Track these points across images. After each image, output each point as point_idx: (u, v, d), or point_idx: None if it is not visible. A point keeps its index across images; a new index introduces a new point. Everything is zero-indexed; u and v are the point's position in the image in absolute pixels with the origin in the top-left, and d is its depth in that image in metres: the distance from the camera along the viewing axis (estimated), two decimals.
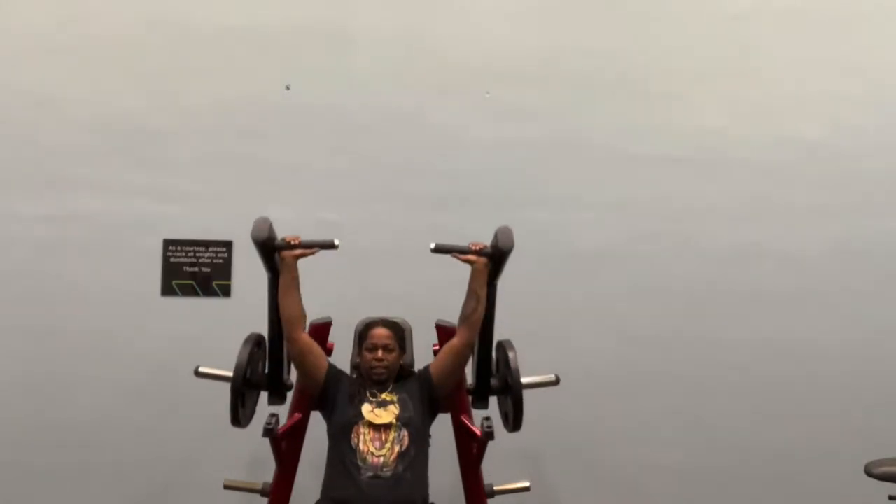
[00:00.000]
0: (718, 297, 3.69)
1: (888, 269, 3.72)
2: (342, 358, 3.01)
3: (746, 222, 3.72)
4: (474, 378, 2.85)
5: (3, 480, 3.46)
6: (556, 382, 2.87)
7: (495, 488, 2.97)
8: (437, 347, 2.94)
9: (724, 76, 3.76)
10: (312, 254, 2.71)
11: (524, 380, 2.72)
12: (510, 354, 2.75)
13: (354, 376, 2.90)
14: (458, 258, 2.73)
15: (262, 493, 2.94)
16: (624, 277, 3.67)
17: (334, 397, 2.73)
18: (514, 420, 2.72)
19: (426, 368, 2.82)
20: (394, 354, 2.79)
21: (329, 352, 2.94)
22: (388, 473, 2.56)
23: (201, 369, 2.81)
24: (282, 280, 2.70)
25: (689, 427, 3.64)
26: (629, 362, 3.64)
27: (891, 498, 2.80)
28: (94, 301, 3.53)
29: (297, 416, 2.86)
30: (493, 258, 2.73)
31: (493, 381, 2.82)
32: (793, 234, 3.72)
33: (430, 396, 2.76)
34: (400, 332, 2.87)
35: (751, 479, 3.63)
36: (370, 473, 2.55)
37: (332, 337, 2.94)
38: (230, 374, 2.65)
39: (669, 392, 3.64)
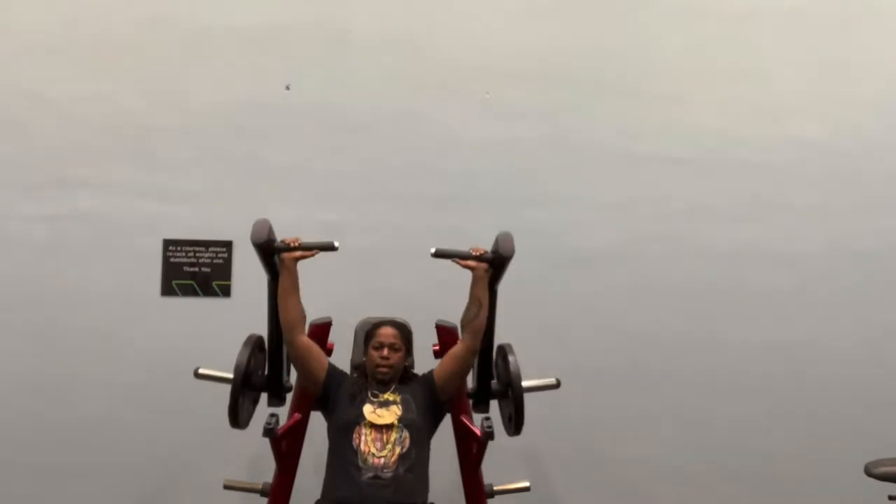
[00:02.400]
0: (718, 297, 3.69)
1: (888, 269, 3.72)
2: (342, 358, 3.01)
3: (746, 222, 3.72)
4: (475, 382, 2.85)
5: (3, 480, 3.46)
6: (557, 386, 2.87)
7: (495, 488, 2.97)
8: (438, 348, 2.94)
9: (724, 76, 3.76)
10: (312, 255, 2.70)
11: (525, 383, 2.72)
12: (510, 358, 2.74)
13: (355, 376, 2.91)
14: (458, 263, 2.71)
15: (262, 493, 2.94)
16: (624, 277, 3.67)
17: (336, 397, 2.73)
18: (515, 424, 2.71)
19: (430, 373, 2.81)
20: (399, 354, 2.79)
21: (329, 352, 2.94)
22: (389, 474, 2.56)
23: (201, 371, 2.80)
24: (281, 282, 2.69)
25: (689, 426, 3.64)
26: (629, 362, 3.64)
27: (891, 498, 2.80)
28: (94, 301, 3.53)
29: (297, 416, 2.86)
30: (494, 263, 2.72)
31: (494, 385, 2.81)
32: (793, 234, 3.72)
33: (433, 401, 2.76)
34: (406, 333, 2.88)
35: (751, 479, 3.63)
36: (371, 474, 2.55)
37: (332, 337, 2.94)
38: (230, 375, 2.65)
39: (669, 392, 3.64)
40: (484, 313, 2.70)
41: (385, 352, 2.76)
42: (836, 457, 3.56)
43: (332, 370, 2.79)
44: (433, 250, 2.72)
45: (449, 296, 3.52)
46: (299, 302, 2.71)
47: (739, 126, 3.75)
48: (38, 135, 3.58)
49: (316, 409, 2.84)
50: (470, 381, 2.89)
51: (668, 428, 3.64)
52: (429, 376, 2.81)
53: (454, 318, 2.96)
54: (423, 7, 3.72)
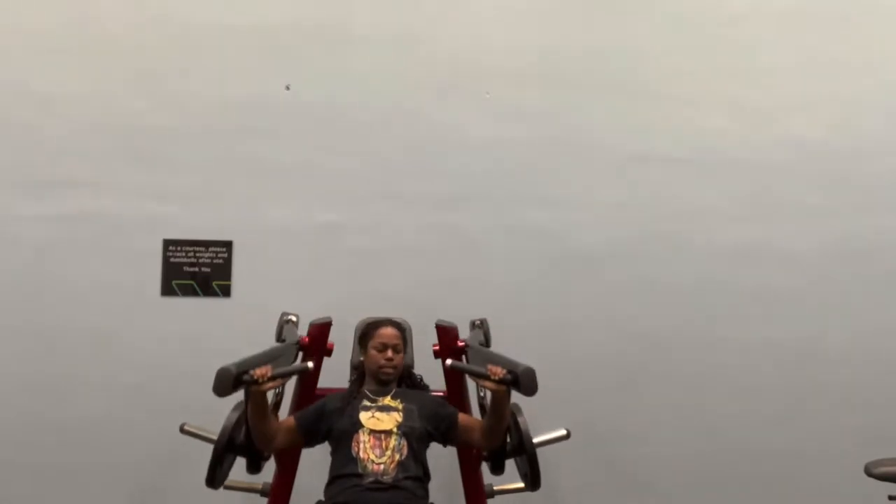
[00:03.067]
0: (718, 297, 3.68)
1: (888, 269, 3.72)
2: (342, 358, 3.01)
3: (746, 222, 3.72)
4: None
5: (3, 480, 3.45)
6: (567, 437, 2.87)
7: (495, 488, 2.97)
8: (437, 347, 2.94)
9: (724, 76, 3.76)
10: (284, 383, 2.59)
11: (536, 440, 2.72)
12: (520, 419, 2.72)
13: (354, 377, 2.90)
14: (477, 382, 2.61)
15: (262, 493, 2.94)
16: (624, 277, 3.67)
17: (323, 426, 2.69)
18: (532, 480, 2.70)
19: (454, 412, 2.75)
20: (401, 355, 2.79)
21: (329, 352, 2.94)
22: (389, 480, 2.55)
23: (187, 427, 2.80)
24: (250, 411, 2.53)
25: (689, 426, 3.64)
26: (629, 362, 3.64)
27: (891, 498, 2.80)
28: (94, 301, 3.53)
29: None
30: (511, 386, 2.53)
31: (507, 445, 2.78)
32: (793, 234, 3.72)
33: (444, 433, 2.73)
34: (404, 333, 2.87)
35: (751, 479, 3.63)
36: (371, 479, 2.54)
37: (332, 337, 2.94)
38: (214, 436, 2.64)
39: (669, 392, 3.64)
40: (505, 425, 2.65)
41: (389, 353, 2.75)
42: (836, 457, 3.56)
43: (303, 422, 2.70)
44: (449, 363, 2.59)
45: (449, 296, 3.53)
46: (269, 420, 2.62)
47: (739, 126, 3.75)
48: (38, 135, 3.57)
49: (312, 445, 2.78)
50: None
51: (668, 427, 3.64)
52: (451, 413, 2.75)
53: (454, 317, 2.96)
54: (424, 7, 3.72)
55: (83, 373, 3.50)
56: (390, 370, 2.75)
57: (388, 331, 2.80)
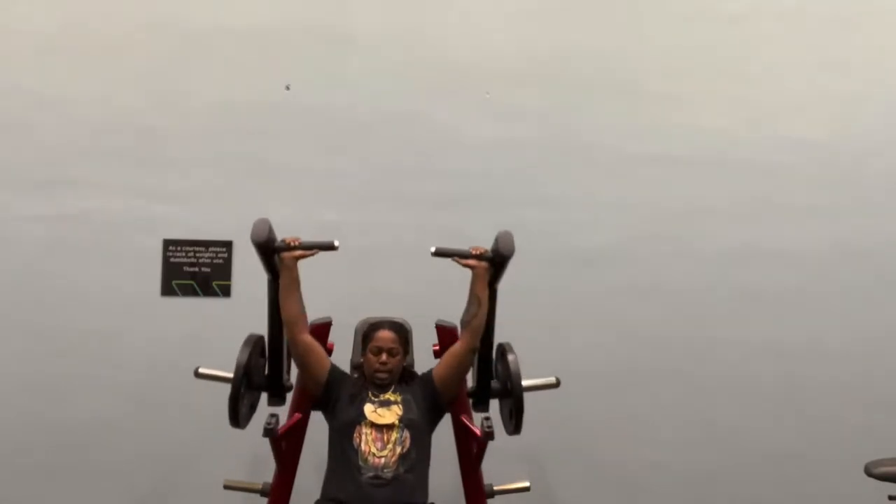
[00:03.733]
0: (718, 297, 3.68)
1: (888, 269, 3.72)
2: (342, 358, 3.01)
3: (746, 222, 3.72)
4: (475, 381, 2.86)
5: (3, 480, 3.46)
6: (557, 385, 2.88)
7: (495, 488, 2.97)
8: (438, 348, 2.94)
9: (724, 76, 3.76)
10: (312, 255, 2.71)
11: (525, 382, 2.73)
12: (510, 357, 2.74)
13: (356, 376, 2.91)
14: (458, 262, 2.72)
15: (262, 493, 2.94)
16: (623, 277, 3.67)
17: (337, 397, 2.74)
18: (515, 422, 2.72)
19: (429, 373, 2.82)
20: (397, 359, 2.79)
21: (329, 352, 2.94)
22: (389, 475, 2.56)
23: (201, 370, 2.80)
24: (282, 281, 2.70)
25: (688, 427, 3.64)
26: (629, 362, 3.64)
27: (891, 498, 2.80)
28: (94, 301, 3.53)
29: (297, 416, 2.86)
30: (494, 263, 2.73)
31: (494, 384, 2.81)
32: (793, 234, 3.72)
33: (433, 401, 2.77)
34: (404, 335, 2.87)
35: (751, 479, 3.64)
36: (371, 474, 2.56)
37: (332, 337, 2.94)
38: (230, 374, 2.65)
39: (669, 392, 3.64)
40: (483, 312, 2.71)
41: (383, 357, 2.76)
42: (836, 457, 3.56)
43: (334, 371, 2.79)
44: (433, 249, 2.73)
45: (449, 296, 3.52)
46: (300, 300, 2.72)
47: (739, 126, 3.75)
48: (38, 135, 3.58)
49: (317, 409, 2.84)
50: (470, 381, 2.89)
51: (668, 428, 3.64)
52: (428, 376, 2.81)
53: (454, 317, 2.96)
54: (424, 7, 3.72)
55: (83, 373, 3.50)
56: (384, 374, 2.76)
57: (384, 334, 2.80)
